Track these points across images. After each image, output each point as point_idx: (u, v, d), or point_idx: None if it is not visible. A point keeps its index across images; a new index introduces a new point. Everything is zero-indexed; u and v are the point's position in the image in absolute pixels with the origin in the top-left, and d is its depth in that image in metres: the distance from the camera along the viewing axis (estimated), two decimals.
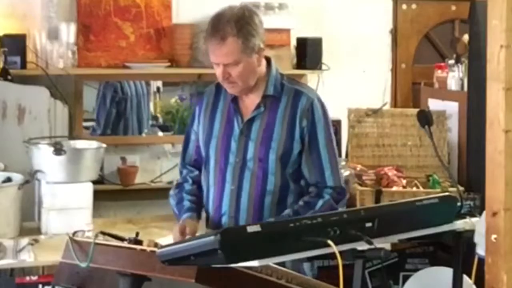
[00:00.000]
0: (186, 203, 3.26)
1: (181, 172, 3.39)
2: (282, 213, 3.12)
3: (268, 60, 3.22)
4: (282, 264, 2.72)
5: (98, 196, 4.23)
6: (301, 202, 3.13)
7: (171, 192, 3.37)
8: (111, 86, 5.93)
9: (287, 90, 3.18)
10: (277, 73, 3.23)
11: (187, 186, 3.32)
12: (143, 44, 4.98)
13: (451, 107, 4.77)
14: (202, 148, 3.26)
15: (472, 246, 2.67)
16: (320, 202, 3.11)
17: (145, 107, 6.14)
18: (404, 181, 4.47)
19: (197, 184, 3.32)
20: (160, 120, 6.25)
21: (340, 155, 4.69)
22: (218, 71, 3.10)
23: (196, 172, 3.33)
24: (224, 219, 3.17)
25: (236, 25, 3.03)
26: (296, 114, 3.13)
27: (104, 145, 4.21)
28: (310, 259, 3.14)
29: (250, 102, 3.19)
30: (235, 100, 3.20)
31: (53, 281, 2.96)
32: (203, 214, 3.36)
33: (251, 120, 3.17)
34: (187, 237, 3.07)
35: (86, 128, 5.70)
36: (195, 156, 3.32)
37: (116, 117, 5.97)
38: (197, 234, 3.06)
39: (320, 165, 3.15)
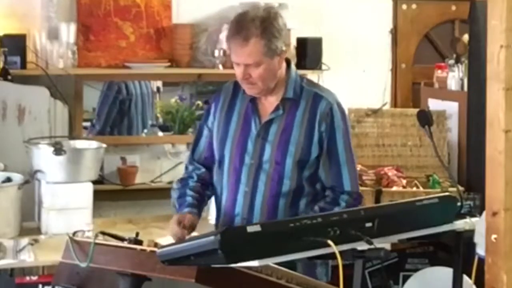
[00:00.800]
0: (189, 199, 3.21)
1: (186, 167, 3.33)
2: (294, 215, 3.08)
3: (288, 62, 3.18)
4: (293, 268, 2.73)
5: (98, 196, 4.23)
6: (316, 208, 3.09)
7: (174, 185, 3.32)
8: (115, 85, 5.94)
9: (306, 93, 3.15)
10: (297, 75, 3.20)
11: (191, 183, 3.26)
12: (143, 44, 4.98)
13: (451, 107, 4.77)
14: (216, 146, 3.21)
15: (472, 246, 2.67)
16: (336, 210, 3.05)
17: (149, 107, 6.15)
18: (404, 181, 4.47)
19: (201, 182, 3.27)
20: (160, 120, 6.25)
21: None
22: (238, 71, 3.06)
23: (203, 170, 3.28)
24: (237, 220, 3.14)
25: (261, 25, 2.99)
26: (315, 118, 3.10)
27: (104, 145, 4.22)
28: (325, 264, 3.15)
29: (269, 104, 3.15)
30: (253, 100, 3.16)
31: (53, 281, 2.96)
32: (212, 214, 3.36)
33: (269, 122, 3.13)
34: (183, 230, 3.05)
35: (86, 128, 5.71)
36: (206, 153, 3.27)
37: (120, 117, 5.99)
38: (195, 233, 3.06)
39: (338, 170, 3.12)
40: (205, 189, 3.27)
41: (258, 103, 3.18)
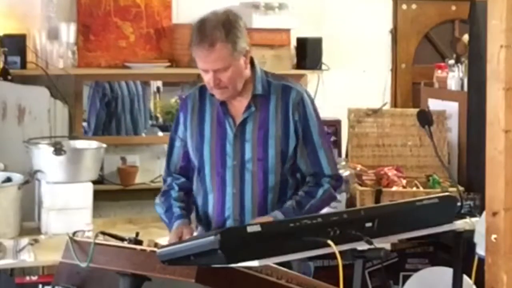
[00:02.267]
0: (176, 210, 3.20)
1: (164, 181, 3.32)
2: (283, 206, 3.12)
3: (251, 60, 3.19)
4: (288, 265, 2.74)
5: (98, 196, 4.22)
6: (301, 192, 3.13)
7: (157, 200, 3.30)
8: (100, 87, 5.92)
9: (275, 87, 3.17)
10: (262, 72, 3.21)
11: (174, 193, 3.26)
12: (143, 44, 4.98)
13: (451, 107, 4.77)
14: (192, 154, 3.21)
15: (472, 246, 2.67)
16: (320, 191, 3.13)
17: (140, 107, 6.13)
18: (404, 181, 4.46)
19: (183, 190, 3.26)
20: (160, 120, 6.26)
21: (340, 155, 4.70)
22: (207, 78, 3.06)
23: (183, 179, 3.27)
24: (229, 223, 3.14)
25: (224, 29, 3.00)
26: (288, 108, 3.13)
27: (104, 145, 4.21)
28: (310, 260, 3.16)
29: (240, 104, 3.16)
30: (223, 103, 3.16)
31: (53, 281, 2.96)
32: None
33: (244, 122, 3.14)
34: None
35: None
36: (182, 163, 3.27)
37: (107, 118, 5.98)
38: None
39: (316, 156, 3.17)
40: (189, 196, 3.27)
41: (229, 104, 3.17)
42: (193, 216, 3.30)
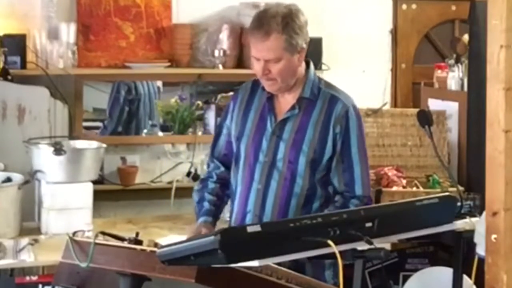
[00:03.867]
0: (206, 204, 3.25)
1: (208, 165, 3.38)
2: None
3: (307, 62, 3.20)
4: (302, 271, 2.74)
5: (98, 196, 4.22)
6: (326, 211, 3.10)
7: (196, 187, 3.37)
8: (125, 86, 5.99)
9: (323, 94, 3.17)
10: (315, 76, 3.21)
11: (211, 184, 3.30)
12: (143, 44, 4.97)
13: (451, 107, 4.77)
14: (233, 143, 3.25)
15: (472, 246, 2.67)
16: None
17: (155, 106, 6.18)
18: (404, 181, 4.46)
19: (221, 182, 3.30)
20: (160, 120, 6.26)
21: None
22: (257, 67, 3.08)
23: (222, 169, 3.31)
24: (249, 217, 3.16)
25: (282, 21, 3.02)
26: (331, 119, 3.12)
27: (104, 145, 4.21)
28: (333, 266, 3.14)
29: (285, 103, 3.17)
30: (270, 99, 3.18)
31: (53, 281, 2.96)
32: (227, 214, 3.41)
33: (284, 121, 3.15)
34: None
35: (86, 128, 5.71)
36: (225, 151, 3.31)
37: (128, 116, 6.03)
38: None
39: (351, 173, 3.14)
40: (224, 189, 3.31)
41: (275, 101, 3.19)
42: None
